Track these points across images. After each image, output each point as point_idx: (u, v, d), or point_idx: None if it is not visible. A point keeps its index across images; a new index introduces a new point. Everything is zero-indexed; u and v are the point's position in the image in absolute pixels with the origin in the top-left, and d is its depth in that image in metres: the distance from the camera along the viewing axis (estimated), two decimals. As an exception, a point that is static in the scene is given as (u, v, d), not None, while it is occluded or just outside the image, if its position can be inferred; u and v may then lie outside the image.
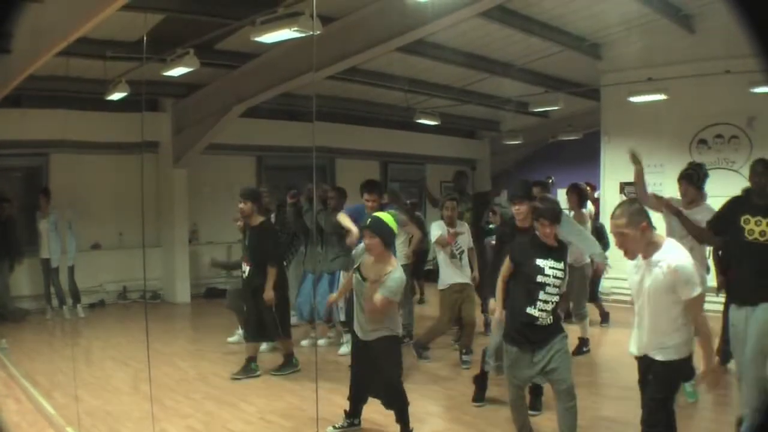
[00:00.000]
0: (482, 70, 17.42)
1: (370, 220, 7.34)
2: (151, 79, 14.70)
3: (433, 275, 12.53)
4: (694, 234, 8.59)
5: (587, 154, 18.48)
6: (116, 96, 14.42)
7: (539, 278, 6.80)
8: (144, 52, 12.49)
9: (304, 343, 12.46)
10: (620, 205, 5.91)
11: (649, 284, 5.68)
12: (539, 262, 6.84)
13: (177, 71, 13.06)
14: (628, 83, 15.75)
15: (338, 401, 8.42)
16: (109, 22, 9.70)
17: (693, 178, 8.97)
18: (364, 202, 10.52)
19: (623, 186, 16.52)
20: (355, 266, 7.46)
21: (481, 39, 15.30)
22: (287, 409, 8.98)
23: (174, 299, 17.67)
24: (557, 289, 6.80)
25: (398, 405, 7.48)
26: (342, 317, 11.84)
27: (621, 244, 5.69)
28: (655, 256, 5.61)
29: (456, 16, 11.42)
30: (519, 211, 8.45)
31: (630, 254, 5.75)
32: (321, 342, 12.37)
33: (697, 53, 14.90)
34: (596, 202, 17.93)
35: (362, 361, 7.71)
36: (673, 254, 5.57)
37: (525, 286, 6.90)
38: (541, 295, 6.77)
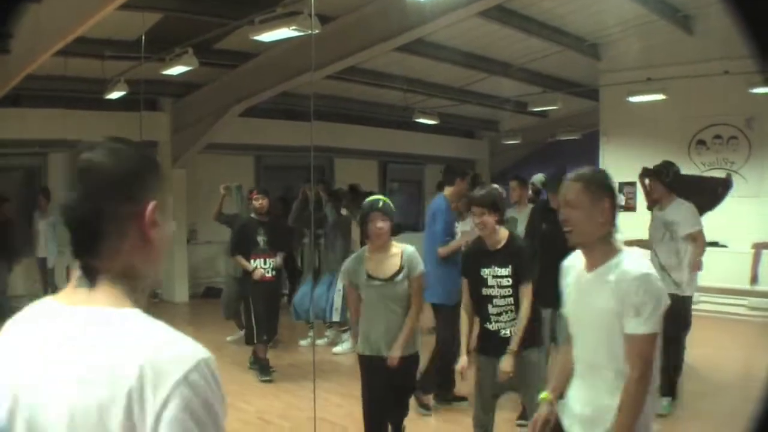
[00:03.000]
0: (481, 70, 17.42)
1: (381, 202, 6.62)
2: (150, 78, 14.67)
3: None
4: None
5: (586, 154, 18.44)
6: (115, 95, 14.43)
7: (483, 291, 6.38)
8: (142, 51, 12.49)
9: (303, 342, 12.49)
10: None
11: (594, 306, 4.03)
12: (482, 271, 6.38)
13: (176, 70, 13.08)
14: (627, 83, 15.75)
15: (336, 401, 8.45)
16: (107, 21, 9.69)
17: (661, 175, 8.77)
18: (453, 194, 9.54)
19: (622, 186, 16.51)
20: (363, 278, 6.53)
21: (480, 39, 15.29)
22: (285, 409, 8.99)
23: (172, 299, 17.65)
24: (506, 299, 6.30)
25: (402, 420, 6.86)
26: (337, 317, 11.89)
27: (566, 220, 4.01)
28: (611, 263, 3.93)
29: (455, 16, 11.44)
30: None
31: (576, 238, 4.01)
32: (319, 342, 12.38)
33: (696, 54, 14.89)
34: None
35: (382, 382, 6.52)
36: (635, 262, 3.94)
37: (476, 301, 6.51)
38: (491, 309, 6.35)
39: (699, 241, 8.59)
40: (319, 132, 18.02)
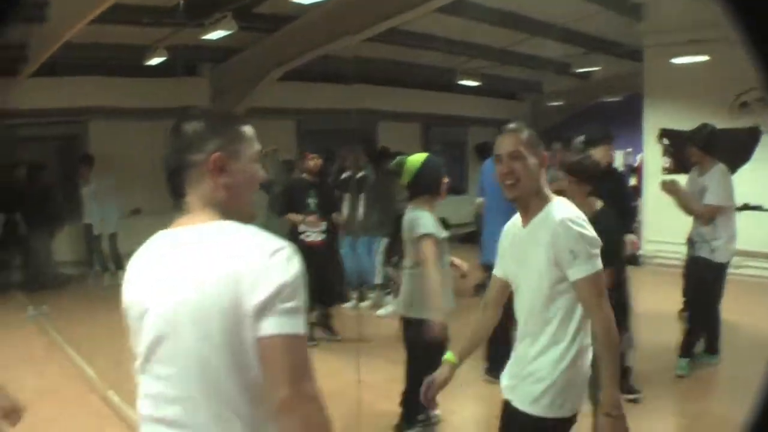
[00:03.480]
0: (523, 31, 17.26)
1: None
2: (189, 43, 14.69)
3: (474, 238, 12.15)
4: (696, 213, 8.34)
5: (629, 117, 18.27)
6: (154, 61, 14.48)
7: None
8: (181, 16, 12.48)
9: (346, 305, 12.45)
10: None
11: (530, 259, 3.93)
12: None
13: (215, 34, 13.10)
14: (671, 44, 15.54)
15: (379, 364, 8.42)
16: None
17: (695, 140, 8.61)
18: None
19: (666, 149, 16.28)
20: (446, 234, 6.42)
21: (522, -1, 15.20)
22: (329, 372, 8.92)
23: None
24: None
25: None
26: (379, 279, 11.86)
27: (510, 172, 3.85)
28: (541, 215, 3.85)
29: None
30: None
31: (519, 190, 3.85)
32: (362, 304, 12.34)
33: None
34: (638, 169, 17.72)
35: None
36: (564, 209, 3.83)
37: None
38: None
39: (705, 213, 8.31)
40: (361, 95, 18.01)
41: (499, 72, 21.04)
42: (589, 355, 3.83)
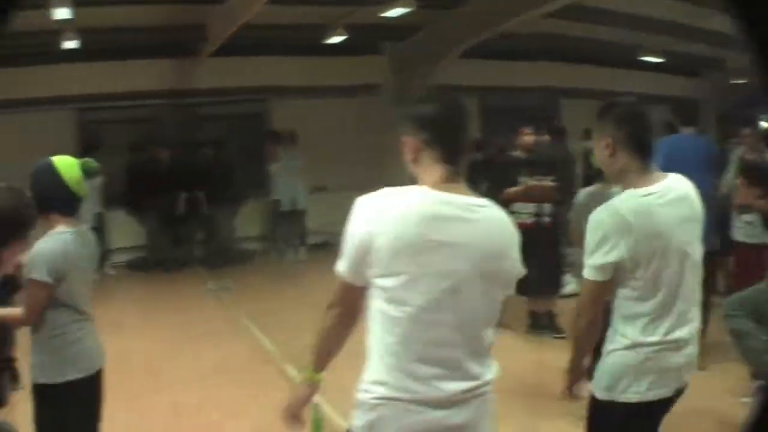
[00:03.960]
0: (706, 6, 16.74)
1: None
2: (368, 22, 14.72)
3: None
4: None
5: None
6: (334, 40, 14.58)
7: None
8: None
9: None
10: None
11: None
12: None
13: (394, 12, 13.11)
14: None
15: (563, 346, 8.23)
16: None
17: None
18: None
19: None
20: None
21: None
22: (537, 363, 8.44)
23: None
24: None
25: None
26: None
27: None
28: None
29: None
30: None
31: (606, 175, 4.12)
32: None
33: None
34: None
35: None
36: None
37: None
38: None
39: None
40: (543, 72, 17.79)
41: (680, 48, 20.50)
42: (649, 350, 3.63)
